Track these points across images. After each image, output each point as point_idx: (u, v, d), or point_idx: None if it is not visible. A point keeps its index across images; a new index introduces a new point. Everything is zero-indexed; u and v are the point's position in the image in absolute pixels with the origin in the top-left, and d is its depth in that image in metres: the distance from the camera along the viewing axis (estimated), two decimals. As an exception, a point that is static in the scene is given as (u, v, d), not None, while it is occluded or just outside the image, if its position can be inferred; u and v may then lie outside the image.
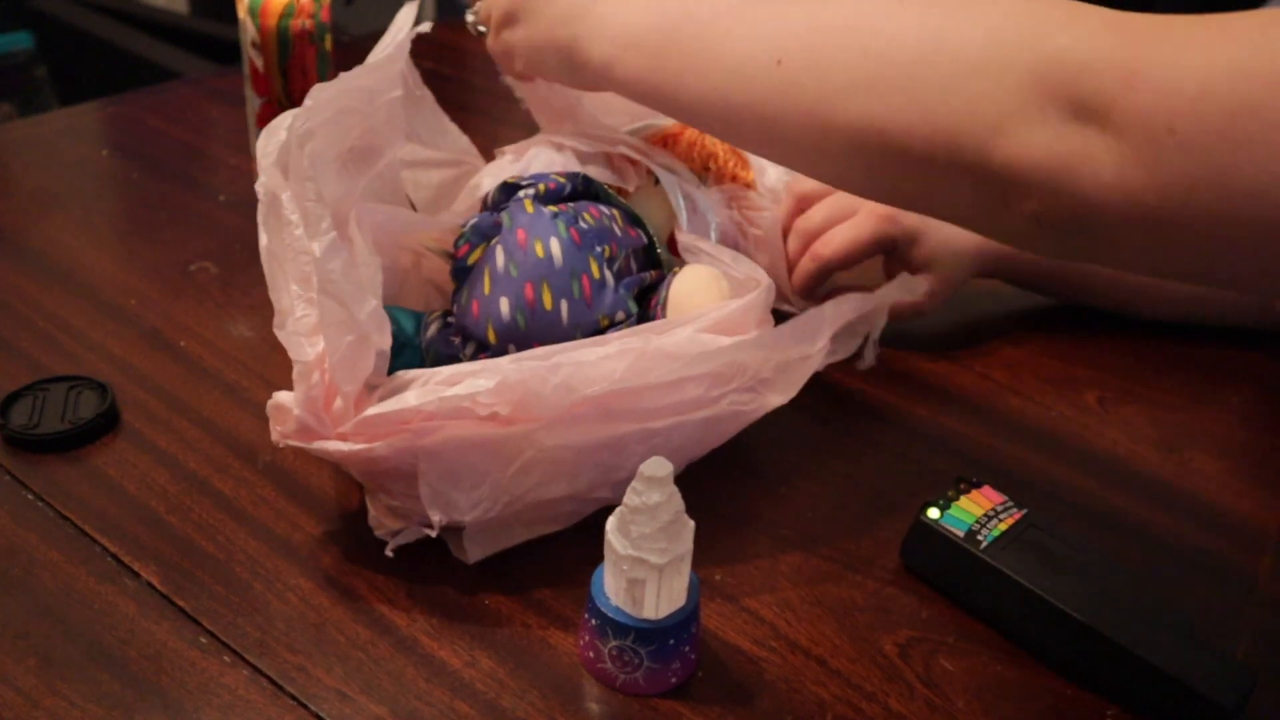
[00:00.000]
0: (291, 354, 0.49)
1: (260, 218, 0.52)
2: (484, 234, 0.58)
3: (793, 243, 0.72)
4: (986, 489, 0.56)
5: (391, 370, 0.51)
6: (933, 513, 0.54)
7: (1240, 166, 0.37)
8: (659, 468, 0.44)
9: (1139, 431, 0.69)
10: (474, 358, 0.56)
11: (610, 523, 0.46)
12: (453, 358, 0.57)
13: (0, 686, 0.45)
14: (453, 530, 0.52)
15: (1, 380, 0.62)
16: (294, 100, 0.81)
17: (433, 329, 0.59)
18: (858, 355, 0.63)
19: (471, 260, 0.58)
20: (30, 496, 0.55)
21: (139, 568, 0.51)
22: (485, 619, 0.51)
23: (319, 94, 0.53)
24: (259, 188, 0.53)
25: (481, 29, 0.68)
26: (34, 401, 0.60)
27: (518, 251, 0.56)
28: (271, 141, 0.53)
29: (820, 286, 0.72)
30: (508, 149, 0.69)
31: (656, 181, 0.66)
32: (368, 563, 0.53)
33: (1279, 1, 0.78)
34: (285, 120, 0.53)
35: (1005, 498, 0.56)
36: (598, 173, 0.65)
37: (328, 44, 0.84)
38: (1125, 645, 0.48)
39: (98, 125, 1.00)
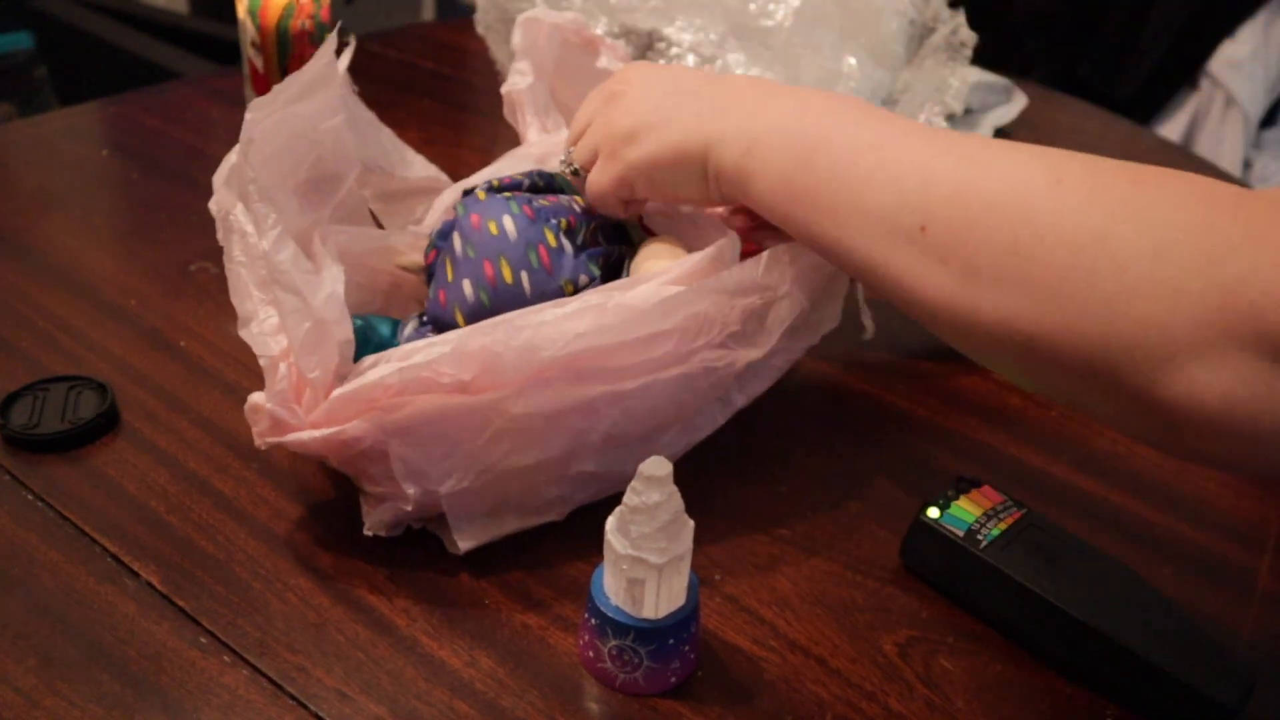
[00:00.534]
0: (256, 350, 0.50)
1: (219, 235, 0.54)
2: (446, 237, 0.59)
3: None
4: (986, 489, 0.56)
5: None
6: (932, 512, 0.54)
7: None
8: (659, 467, 0.44)
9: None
10: None
11: (610, 522, 0.46)
12: None
13: (0, 686, 0.45)
14: (437, 520, 0.53)
15: (1, 380, 0.62)
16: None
17: (409, 328, 0.59)
18: (859, 329, 0.62)
19: (437, 268, 0.59)
20: (30, 496, 0.55)
21: (139, 568, 0.51)
22: (485, 619, 0.51)
23: (257, 119, 0.54)
24: (212, 205, 0.54)
25: (576, 170, 0.60)
26: (34, 401, 0.60)
27: (473, 234, 0.57)
28: (223, 166, 0.55)
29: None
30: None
31: None
32: (368, 563, 0.53)
33: None
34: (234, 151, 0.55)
35: (1005, 497, 0.56)
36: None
37: (328, 44, 0.84)
38: (1125, 645, 0.48)
39: (98, 125, 1.00)
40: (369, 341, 0.58)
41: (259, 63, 0.81)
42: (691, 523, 0.46)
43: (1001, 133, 1.11)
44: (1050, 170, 0.43)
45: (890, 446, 0.66)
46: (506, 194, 0.59)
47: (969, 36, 1.07)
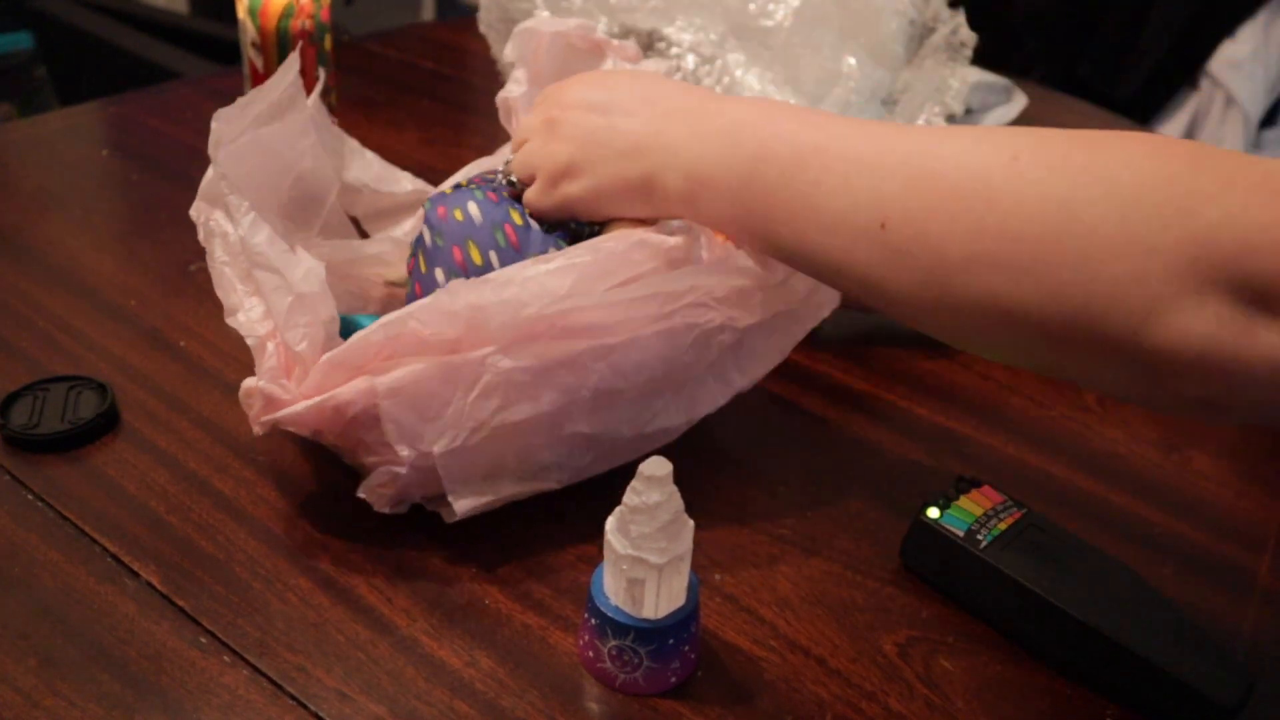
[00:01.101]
0: (243, 333, 0.52)
1: (200, 237, 0.56)
2: (419, 240, 0.59)
3: None
4: (986, 489, 0.56)
5: None
6: (932, 512, 0.54)
7: None
8: (659, 467, 0.44)
9: (1139, 431, 0.69)
10: None
11: (610, 522, 0.46)
12: None
13: (0, 686, 0.45)
14: (441, 498, 0.53)
15: (1, 380, 0.62)
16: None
17: None
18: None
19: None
20: (30, 496, 0.55)
21: (139, 568, 0.51)
22: (485, 619, 0.51)
23: (224, 129, 0.56)
24: (193, 212, 0.57)
25: (513, 180, 0.61)
26: (34, 401, 0.60)
27: (440, 224, 0.58)
28: (204, 180, 0.57)
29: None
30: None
31: None
32: (368, 563, 0.53)
33: None
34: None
35: (1005, 497, 0.56)
36: None
37: (328, 44, 0.84)
38: (1125, 645, 0.48)
39: (98, 125, 1.00)
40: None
41: (259, 63, 0.81)
42: (691, 523, 0.46)
43: (1001, 133, 1.11)
44: (1003, 148, 0.43)
45: (890, 446, 0.66)
46: (474, 186, 0.60)
47: (969, 36, 1.07)
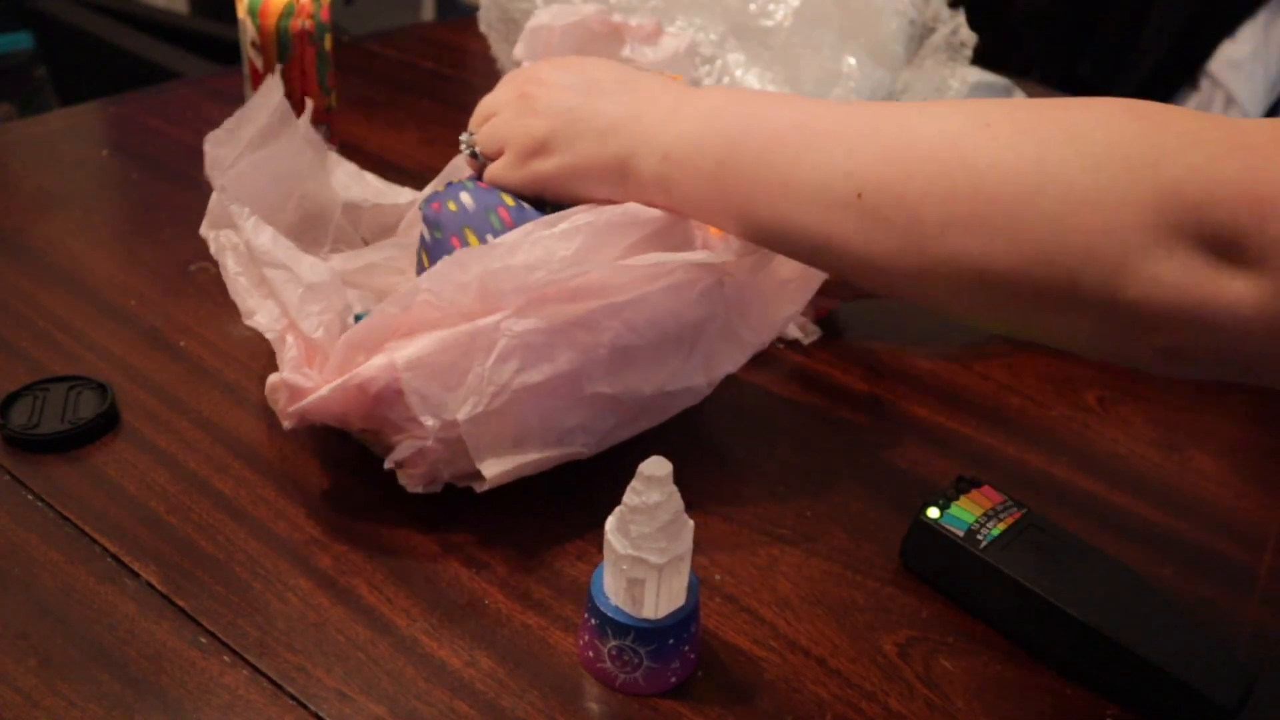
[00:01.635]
0: (262, 329, 0.54)
1: (212, 251, 0.59)
2: (420, 239, 0.61)
3: None
4: (986, 489, 0.56)
5: None
6: (932, 512, 0.54)
7: None
8: (659, 467, 0.44)
9: (1139, 431, 0.69)
10: None
11: (610, 522, 0.46)
12: None
13: (0, 686, 0.45)
14: (473, 475, 0.53)
15: (1, 380, 0.62)
16: (293, 101, 0.81)
17: None
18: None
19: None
20: (30, 496, 0.55)
21: (139, 568, 0.51)
22: (485, 619, 0.51)
23: (222, 150, 0.59)
24: (203, 232, 0.60)
25: (475, 152, 0.61)
26: (34, 401, 0.60)
27: (436, 217, 0.59)
28: (209, 206, 0.60)
29: None
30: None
31: None
32: (368, 563, 0.53)
33: None
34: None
35: (1005, 497, 0.56)
36: None
37: (327, 44, 0.84)
38: (1125, 645, 0.48)
39: (98, 125, 1.00)
40: None
41: (259, 63, 0.81)
42: (691, 523, 0.46)
43: (1001, 133, 1.11)
44: (976, 116, 0.44)
45: (890, 446, 0.66)
46: (463, 179, 0.62)
47: (969, 36, 1.07)
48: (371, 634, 0.49)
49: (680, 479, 0.45)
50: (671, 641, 0.47)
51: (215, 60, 1.53)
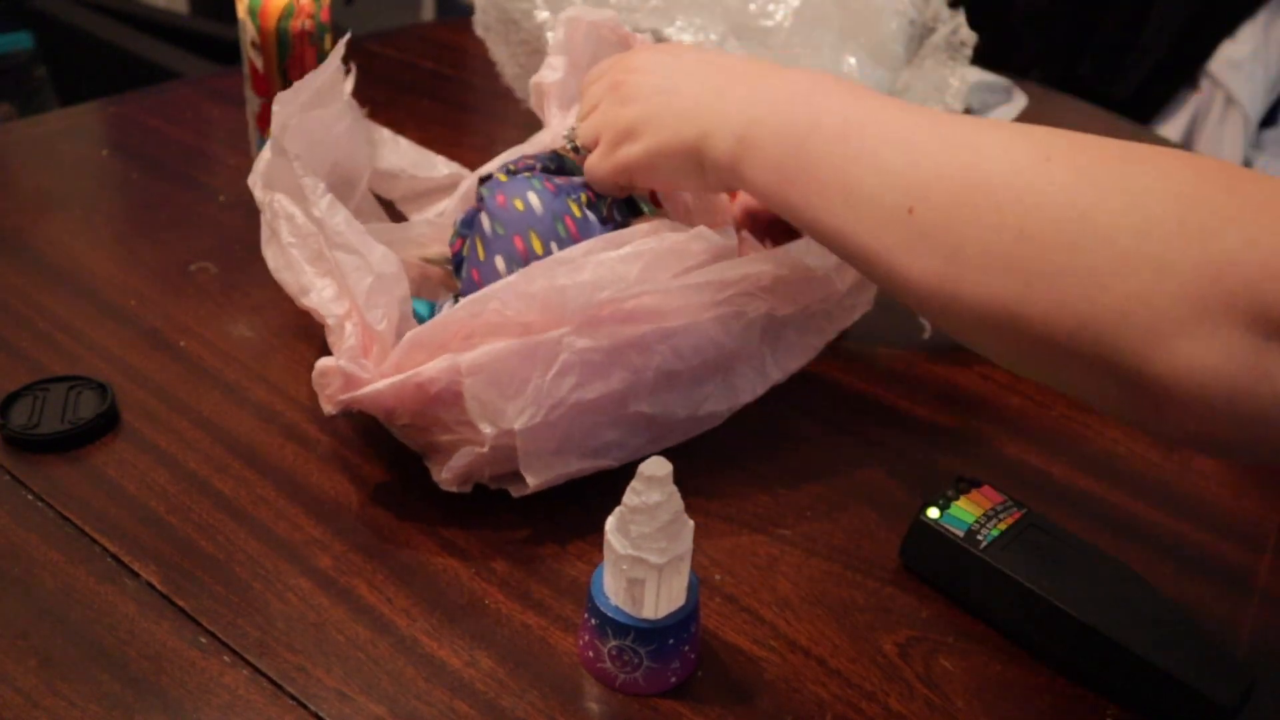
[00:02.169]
0: (321, 314, 0.54)
1: (265, 220, 0.59)
2: (471, 224, 0.61)
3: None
4: (986, 489, 0.56)
5: None
6: (932, 512, 0.54)
7: None
8: (659, 467, 0.44)
9: (1139, 432, 0.69)
10: None
11: (610, 522, 0.46)
12: None
13: (0, 686, 0.45)
14: (508, 477, 0.54)
15: (1, 380, 0.62)
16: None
17: (447, 306, 0.61)
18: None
19: (466, 251, 0.61)
20: (30, 496, 0.55)
21: (139, 568, 0.51)
22: (485, 619, 0.51)
23: (285, 110, 0.58)
24: (256, 193, 0.59)
25: (576, 147, 0.62)
26: (34, 401, 0.60)
27: (500, 212, 0.59)
28: (257, 164, 0.59)
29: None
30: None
31: None
32: (368, 563, 0.53)
33: None
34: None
35: (1005, 497, 0.56)
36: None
37: (327, 44, 0.84)
38: (1125, 645, 0.48)
39: (98, 125, 1.00)
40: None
41: (259, 63, 0.81)
42: (691, 523, 0.46)
43: (1001, 133, 1.11)
44: (1038, 148, 0.42)
45: (890, 446, 0.66)
46: (526, 174, 0.61)
47: (969, 36, 1.07)
48: (371, 634, 0.49)
49: (680, 479, 0.45)
50: (671, 641, 0.47)
51: (215, 60, 1.53)
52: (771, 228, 0.63)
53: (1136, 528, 0.61)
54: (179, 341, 0.68)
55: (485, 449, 0.52)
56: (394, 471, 0.59)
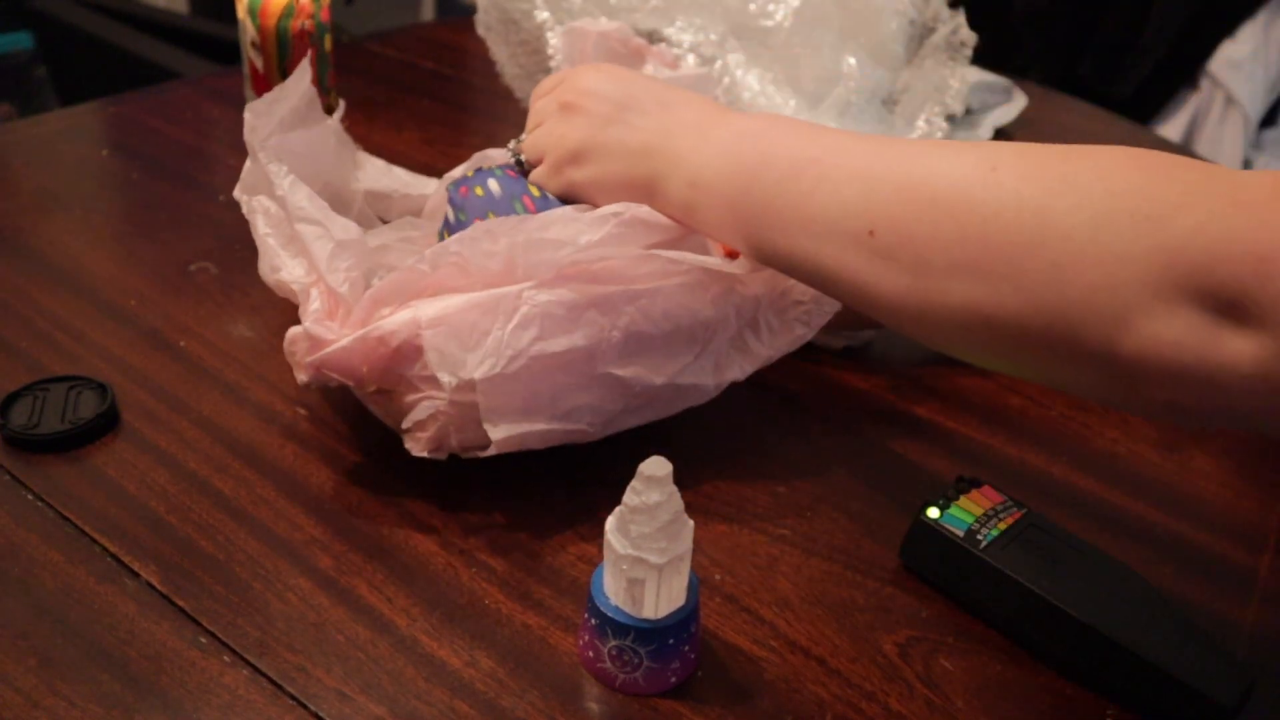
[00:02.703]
0: (289, 283, 0.55)
1: (245, 212, 0.60)
2: (444, 221, 0.62)
3: None
4: (986, 489, 0.56)
5: None
6: (932, 512, 0.54)
7: None
8: (659, 467, 0.44)
9: (1139, 431, 0.69)
10: None
11: (610, 522, 0.46)
12: None
13: (0, 686, 0.45)
14: (477, 446, 0.54)
15: (1, 380, 0.62)
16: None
17: None
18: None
19: None
20: (30, 496, 0.55)
21: (139, 568, 0.51)
22: (485, 619, 0.51)
23: (261, 120, 0.60)
24: (238, 193, 0.61)
25: (520, 160, 0.63)
26: (34, 401, 0.60)
27: (463, 202, 0.60)
28: (243, 173, 0.62)
29: None
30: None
31: None
32: (368, 563, 0.53)
33: None
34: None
35: (1005, 497, 0.56)
36: None
37: (327, 44, 0.84)
38: (1125, 645, 0.48)
39: (98, 125, 1.00)
40: None
41: (259, 63, 0.81)
42: (691, 523, 0.46)
43: (1002, 133, 1.11)
44: (984, 160, 0.44)
45: (890, 446, 0.66)
46: (491, 167, 0.63)
47: (969, 36, 1.07)
48: (371, 634, 0.49)
49: (680, 479, 0.45)
50: (671, 641, 0.47)
51: (215, 60, 1.53)
52: None
53: (1136, 528, 0.61)
54: (179, 341, 0.68)
55: (445, 401, 0.52)
56: (395, 472, 0.59)
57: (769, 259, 0.52)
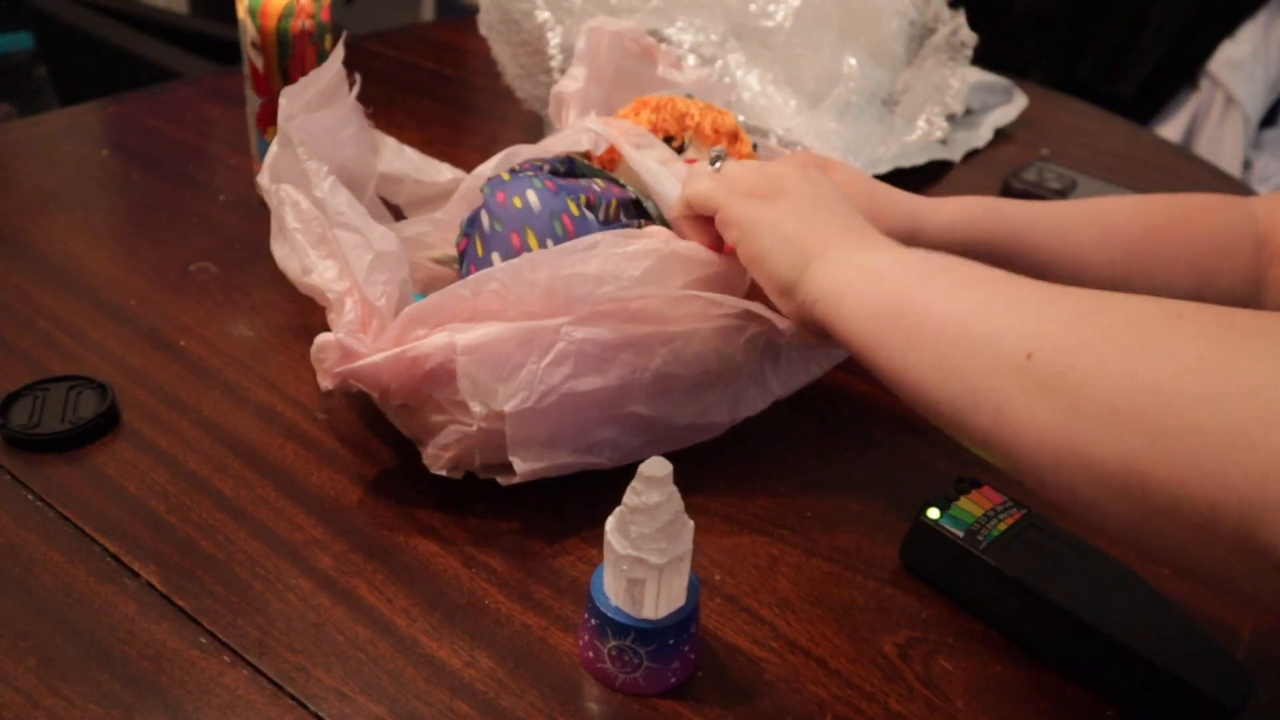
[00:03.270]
0: (323, 290, 0.54)
1: (273, 209, 0.59)
2: (474, 223, 0.61)
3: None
4: (986, 489, 0.56)
5: None
6: (933, 513, 0.54)
7: None
8: (659, 468, 0.44)
9: None
10: None
11: (610, 523, 0.46)
12: None
13: (0, 686, 0.45)
14: (499, 466, 0.54)
15: (1, 380, 0.62)
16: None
17: None
18: None
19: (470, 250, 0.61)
20: (30, 496, 0.55)
21: (139, 568, 0.51)
22: (485, 619, 0.51)
23: (291, 105, 0.60)
24: (261, 180, 0.59)
25: (718, 165, 0.60)
26: (34, 401, 0.60)
27: (499, 209, 0.59)
28: (267, 158, 0.61)
29: None
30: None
31: None
32: (368, 563, 0.53)
33: None
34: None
35: (1005, 498, 0.56)
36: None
37: (328, 44, 0.84)
38: (1126, 644, 0.48)
39: (98, 125, 1.00)
40: None
41: (259, 63, 0.81)
42: (691, 523, 0.46)
43: (1001, 133, 1.11)
44: (1170, 308, 0.40)
45: (890, 447, 0.66)
46: (529, 173, 0.62)
47: (969, 37, 1.07)
48: (371, 634, 0.49)
49: (680, 479, 0.45)
50: (671, 642, 0.47)
51: (215, 60, 1.53)
52: None
53: (1136, 528, 0.61)
54: (179, 341, 0.68)
55: (473, 428, 0.52)
56: (394, 472, 0.59)
57: (902, 382, 0.48)
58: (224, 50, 1.48)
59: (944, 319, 0.46)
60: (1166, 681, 0.48)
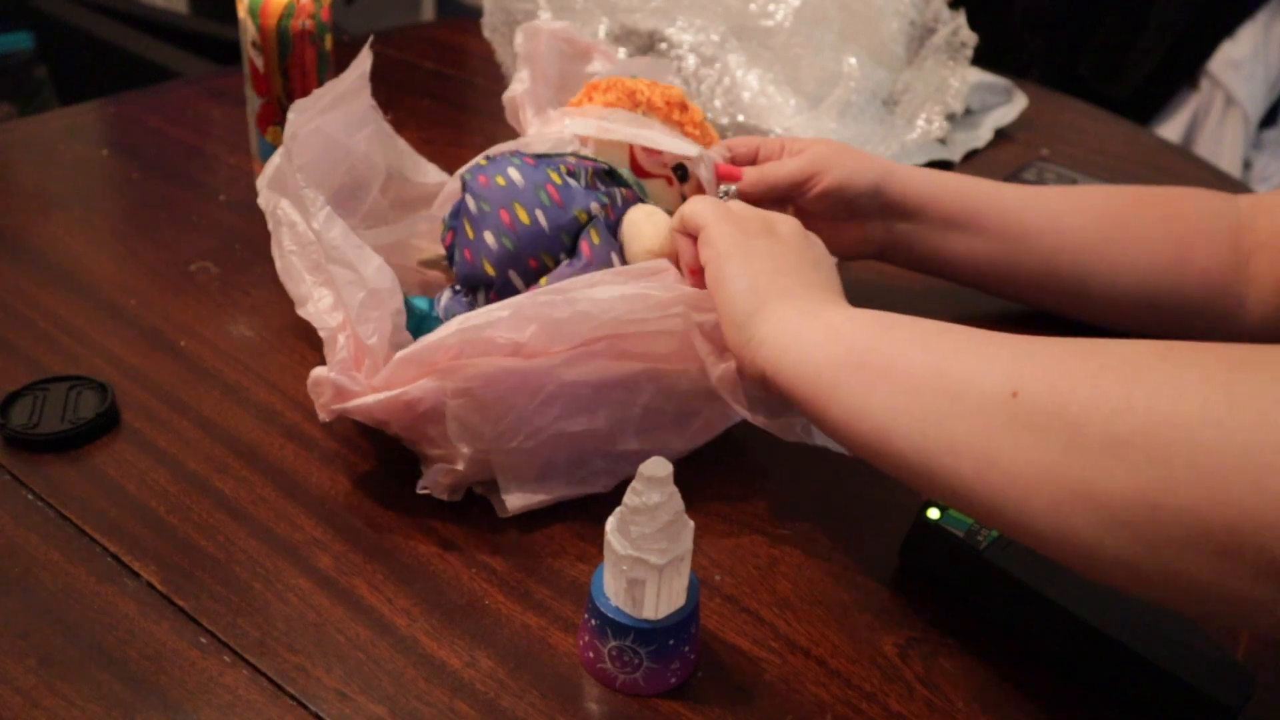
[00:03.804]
0: (316, 325, 0.55)
1: (270, 227, 0.59)
2: (458, 215, 0.62)
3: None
4: (986, 489, 0.56)
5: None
6: (933, 512, 0.54)
7: None
8: (659, 468, 0.44)
9: None
10: (488, 302, 0.59)
11: (610, 523, 0.46)
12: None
13: (0, 686, 0.45)
14: (494, 485, 0.55)
15: (1, 380, 0.62)
16: (294, 100, 0.81)
17: (445, 297, 0.62)
18: None
19: (457, 239, 0.62)
20: (30, 496, 0.55)
21: (139, 568, 0.51)
22: (485, 619, 0.51)
23: (298, 120, 0.60)
24: (261, 201, 0.60)
25: (724, 197, 0.63)
26: (34, 401, 0.60)
27: (483, 190, 0.60)
28: (268, 167, 0.61)
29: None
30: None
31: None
32: (368, 563, 0.53)
33: None
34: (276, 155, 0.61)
35: (1005, 498, 0.56)
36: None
37: (328, 44, 0.84)
38: (1126, 645, 0.48)
39: (98, 125, 1.00)
40: (410, 315, 0.59)
41: (259, 63, 0.81)
42: (692, 523, 0.46)
43: (1001, 133, 1.11)
44: (1157, 344, 0.39)
45: (890, 447, 0.65)
46: (506, 154, 0.63)
47: (969, 37, 1.07)
48: (371, 634, 0.49)
49: (680, 479, 0.45)
50: (671, 642, 0.47)
51: (215, 60, 1.53)
52: None
53: (1137, 528, 0.61)
54: (179, 341, 0.68)
55: (461, 467, 0.53)
56: (394, 472, 0.59)
57: (852, 423, 0.45)
58: (224, 50, 1.48)
59: (912, 365, 0.44)
60: (1166, 681, 0.48)
